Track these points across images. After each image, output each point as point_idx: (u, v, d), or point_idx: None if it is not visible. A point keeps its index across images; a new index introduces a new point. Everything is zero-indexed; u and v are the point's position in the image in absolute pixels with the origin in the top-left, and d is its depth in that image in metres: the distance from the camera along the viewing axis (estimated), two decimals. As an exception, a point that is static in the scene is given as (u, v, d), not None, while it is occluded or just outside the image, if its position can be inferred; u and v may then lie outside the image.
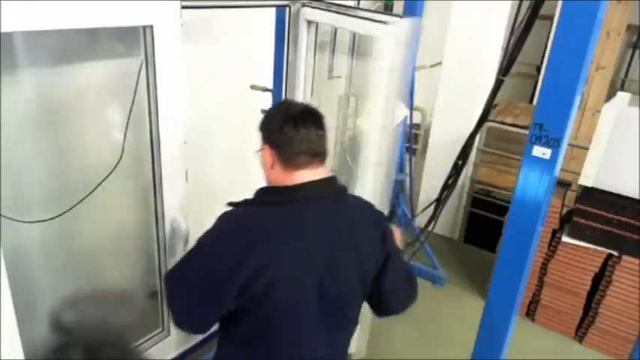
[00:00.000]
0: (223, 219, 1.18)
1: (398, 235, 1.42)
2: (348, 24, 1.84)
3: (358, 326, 1.42)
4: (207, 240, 1.17)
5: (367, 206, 1.34)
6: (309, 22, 1.93)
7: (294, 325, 1.19)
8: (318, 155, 1.19)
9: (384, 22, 1.71)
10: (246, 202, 1.22)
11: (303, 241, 1.15)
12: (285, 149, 1.16)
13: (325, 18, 1.89)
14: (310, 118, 1.17)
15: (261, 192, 1.22)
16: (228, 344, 1.27)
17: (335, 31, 3.64)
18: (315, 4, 1.89)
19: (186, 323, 1.23)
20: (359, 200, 1.35)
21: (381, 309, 1.43)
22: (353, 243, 1.22)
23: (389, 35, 1.71)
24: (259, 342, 1.20)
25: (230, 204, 1.25)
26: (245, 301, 1.12)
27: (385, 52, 1.74)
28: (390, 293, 1.37)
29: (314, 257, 1.16)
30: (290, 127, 1.14)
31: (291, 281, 1.14)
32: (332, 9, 1.85)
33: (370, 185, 1.99)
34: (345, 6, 1.91)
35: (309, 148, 1.16)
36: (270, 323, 1.17)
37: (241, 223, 1.16)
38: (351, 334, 1.39)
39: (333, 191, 1.23)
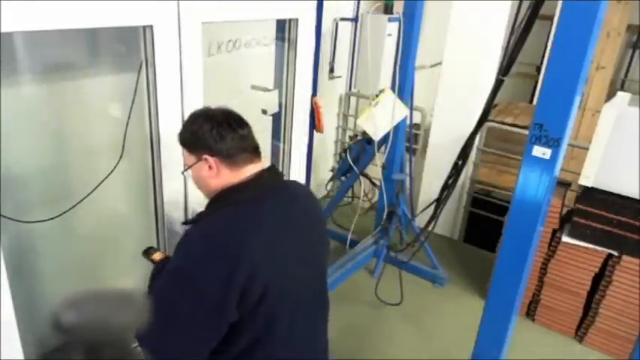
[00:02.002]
0: (191, 240, 1.12)
1: None
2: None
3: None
4: (185, 269, 1.08)
5: (307, 190, 1.43)
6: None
7: (291, 325, 1.19)
8: (256, 149, 1.23)
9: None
10: (204, 213, 1.21)
11: (275, 234, 1.17)
12: (230, 151, 1.17)
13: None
14: (236, 117, 1.21)
15: (218, 198, 1.20)
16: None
17: (336, 31, 3.65)
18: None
19: None
20: (299, 185, 1.44)
21: None
22: (314, 226, 1.30)
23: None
24: (256, 347, 1.15)
25: (187, 222, 1.27)
26: (242, 309, 1.08)
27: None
28: None
29: (291, 248, 1.20)
30: (227, 130, 1.16)
31: (281, 279, 1.15)
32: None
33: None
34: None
35: (248, 144, 1.20)
36: (266, 329, 1.15)
37: (215, 232, 1.11)
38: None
39: (279, 181, 1.28)
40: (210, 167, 1.17)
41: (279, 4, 1.75)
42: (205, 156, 1.17)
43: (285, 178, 1.38)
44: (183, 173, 1.26)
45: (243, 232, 1.10)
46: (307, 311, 1.26)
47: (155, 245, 1.68)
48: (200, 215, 1.23)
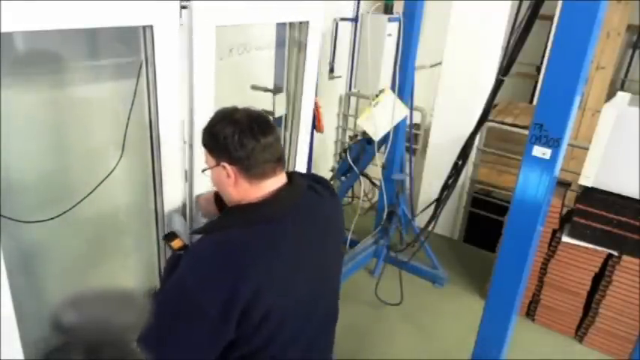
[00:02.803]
0: (200, 256, 1.09)
1: None
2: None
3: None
4: (190, 285, 1.05)
5: (329, 194, 1.29)
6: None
7: (293, 338, 1.17)
8: (280, 160, 1.14)
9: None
10: (219, 226, 1.15)
11: (292, 256, 1.12)
12: (250, 162, 1.09)
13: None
14: (263, 123, 1.11)
15: (233, 212, 1.15)
16: None
17: (336, 31, 3.65)
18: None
19: None
20: (320, 190, 1.28)
21: None
22: (332, 242, 1.25)
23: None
24: (254, 357, 1.14)
25: (196, 231, 1.20)
26: (242, 330, 1.06)
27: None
28: None
29: (307, 269, 1.15)
30: (249, 138, 1.07)
31: (288, 301, 1.11)
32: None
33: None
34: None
35: (272, 154, 1.11)
36: (266, 340, 1.12)
37: (223, 254, 1.06)
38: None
39: (301, 192, 1.19)
40: (227, 175, 1.11)
41: (291, 7, 1.76)
42: (224, 163, 1.11)
43: (304, 187, 1.23)
44: (203, 172, 1.19)
45: (252, 255, 1.06)
46: (313, 327, 1.23)
47: (155, 244, 1.68)
48: (212, 225, 1.18)
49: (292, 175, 1.20)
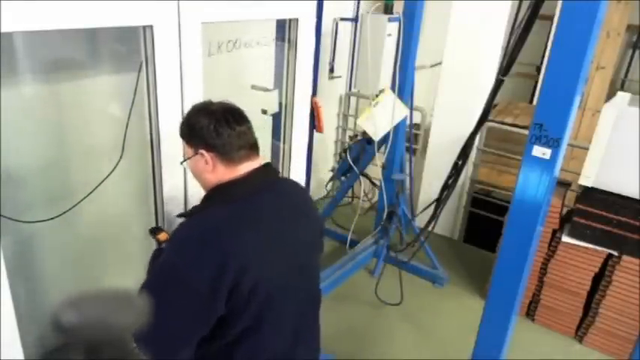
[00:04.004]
0: (183, 237, 1.15)
1: None
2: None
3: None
4: (176, 263, 1.11)
5: (301, 187, 1.43)
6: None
7: (280, 316, 1.22)
8: (254, 146, 1.23)
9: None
10: (199, 208, 1.23)
11: (269, 231, 1.18)
12: (226, 148, 1.18)
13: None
14: (236, 114, 1.21)
15: (212, 194, 1.23)
16: (210, 349, 1.19)
17: (336, 31, 3.65)
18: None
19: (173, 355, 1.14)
20: (293, 182, 1.44)
21: None
22: (307, 223, 1.31)
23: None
24: (246, 339, 1.19)
25: (181, 215, 1.28)
26: (232, 305, 1.11)
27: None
28: None
29: (284, 245, 1.21)
30: (224, 126, 1.16)
31: (271, 274, 1.16)
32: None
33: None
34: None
35: (246, 141, 1.20)
36: (256, 318, 1.17)
37: (206, 231, 1.13)
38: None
39: (273, 178, 1.29)
40: (206, 162, 1.19)
41: (279, 4, 1.74)
42: (202, 151, 1.18)
43: (280, 175, 1.38)
44: (181, 164, 1.28)
45: (233, 230, 1.12)
46: (298, 306, 1.28)
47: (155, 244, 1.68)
48: (194, 209, 1.25)
49: (268, 163, 1.29)
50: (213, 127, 1.16)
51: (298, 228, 1.28)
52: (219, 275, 1.06)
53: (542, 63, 5.00)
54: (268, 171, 1.27)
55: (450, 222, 4.06)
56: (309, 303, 1.36)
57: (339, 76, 4.12)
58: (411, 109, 3.23)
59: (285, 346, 1.27)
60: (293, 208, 1.30)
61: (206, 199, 1.24)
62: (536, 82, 5.23)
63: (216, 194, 1.21)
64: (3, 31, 1.04)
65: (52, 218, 1.42)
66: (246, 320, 1.15)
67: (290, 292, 1.24)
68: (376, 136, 3.05)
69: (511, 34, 1.90)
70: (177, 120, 1.50)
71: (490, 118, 3.30)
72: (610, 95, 3.76)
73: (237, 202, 1.17)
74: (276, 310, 1.20)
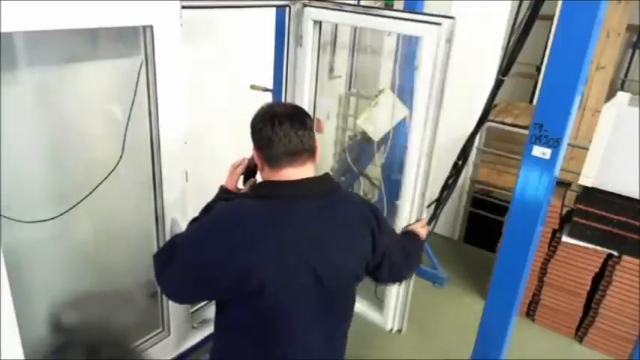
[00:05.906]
0: (222, 211, 1.25)
1: (423, 226, 1.94)
2: (374, 24, 1.88)
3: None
4: (199, 232, 1.23)
5: (360, 205, 1.35)
6: (315, 22, 1.94)
7: (290, 319, 1.22)
8: (298, 154, 1.20)
9: (429, 22, 1.82)
10: (242, 194, 1.36)
11: (291, 235, 1.18)
12: (267, 150, 1.20)
13: (339, 18, 1.94)
14: (289, 118, 1.19)
15: (255, 186, 1.32)
16: (227, 330, 1.30)
17: (336, 31, 3.64)
18: (317, 3, 1.89)
19: (176, 299, 1.34)
20: (353, 198, 1.39)
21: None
22: (344, 240, 1.26)
23: (434, 35, 1.79)
24: (259, 328, 1.22)
25: (226, 194, 1.39)
26: (238, 295, 1.17)
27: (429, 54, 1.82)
28: (389, 282, 1.84)
29: (304, 252, 1.18)
30: (268, 128, 1.18)
31: (280, 279, 1.16)
32: (346, 9, 1.89)
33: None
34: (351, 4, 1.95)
35: (288, 148, 1.18)
36: (268, 314, 1.20)
37: (232, 219, 1.19)
38: (345, 335, 1.42)
39: (323, 189, 1.26)
40: (258, 159, 1.25)
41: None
42: (254, 151, 1.25)
43: (341, 189, 1.32)
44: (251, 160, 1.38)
45: (256, 226, 1.16)
46: (314, 319, 1.26)
47: (155, 244, 1.68)
48: (242, 193, 1.37)
49: (325, 175, 1.29)
50: (260, 127, 1.19)
51: (331, 245, 1.23)
52: (224, 268, 1.15)
53: (542, 63, 4.99)
54: (319, 181, 1.26)
55: (450, 222, 4.06)
56: (332, 320, 1.33)
57: (339, 76, 4.12)
58: (411, 109, 3.23)
59: (295, 353, 1.26)
60: (340, 219, 1.26)
61: (252, 189, 1.34)
62: (536, 82, 5.23)
63: (258, 188, 1.28)
64: (3, 31, 1.04)
65: (52, 218, 1.42)
66: (256, 312, 1.20)
67: (304, 301, 1.22)
68: (376, 137, 3.05)
69: (511, 34, 1.90)
70: (177, 120, 1.51)
71: (490, 118, 3.30)
72: (610, 95, 3.76)
73: (271, 200, 1.20)
74: (287, 314, 1.21)
